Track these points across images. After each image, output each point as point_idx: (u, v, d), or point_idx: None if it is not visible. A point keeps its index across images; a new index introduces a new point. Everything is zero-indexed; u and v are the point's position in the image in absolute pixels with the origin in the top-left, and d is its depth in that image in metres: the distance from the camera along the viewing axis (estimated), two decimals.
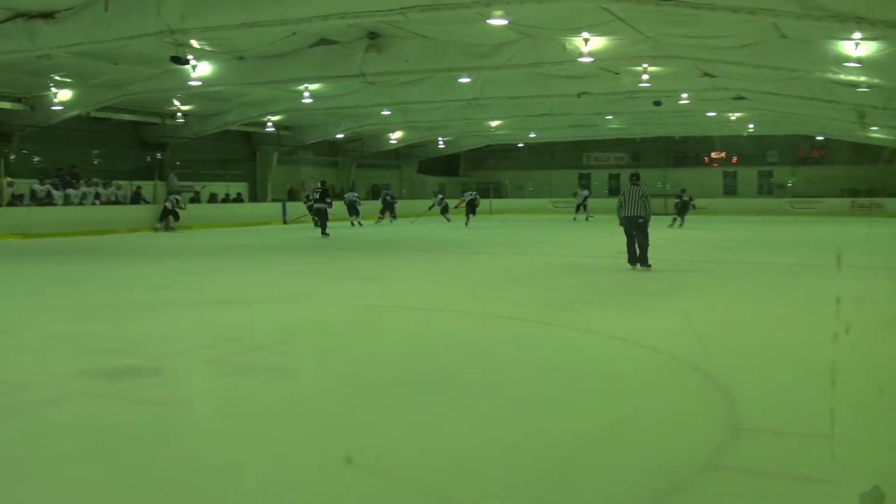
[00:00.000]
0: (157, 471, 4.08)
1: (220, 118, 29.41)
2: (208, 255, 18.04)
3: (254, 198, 34.70)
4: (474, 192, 32.01)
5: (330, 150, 40.30)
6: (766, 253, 17.88)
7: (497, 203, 42.74)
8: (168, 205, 26.98)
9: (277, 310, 9.67)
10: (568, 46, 17.45)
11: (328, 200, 24.11)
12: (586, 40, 16.79)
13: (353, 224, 29.54)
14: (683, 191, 29.61)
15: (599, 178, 47.07)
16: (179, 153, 31.12)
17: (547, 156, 48.09)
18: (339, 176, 39.68)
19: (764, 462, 4.21)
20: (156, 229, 26.59)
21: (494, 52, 18.27)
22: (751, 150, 44.15)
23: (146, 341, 7.41)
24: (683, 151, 45.50)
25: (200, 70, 20.44)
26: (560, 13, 14.99)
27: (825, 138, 39.53)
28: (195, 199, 30.09)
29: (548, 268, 14.65)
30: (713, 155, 45.91)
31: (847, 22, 11.33)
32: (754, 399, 5.39)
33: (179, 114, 28.89)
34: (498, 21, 15.43)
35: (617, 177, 46.93)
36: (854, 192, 39.95)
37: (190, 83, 21.00)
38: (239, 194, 33.60)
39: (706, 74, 20.77)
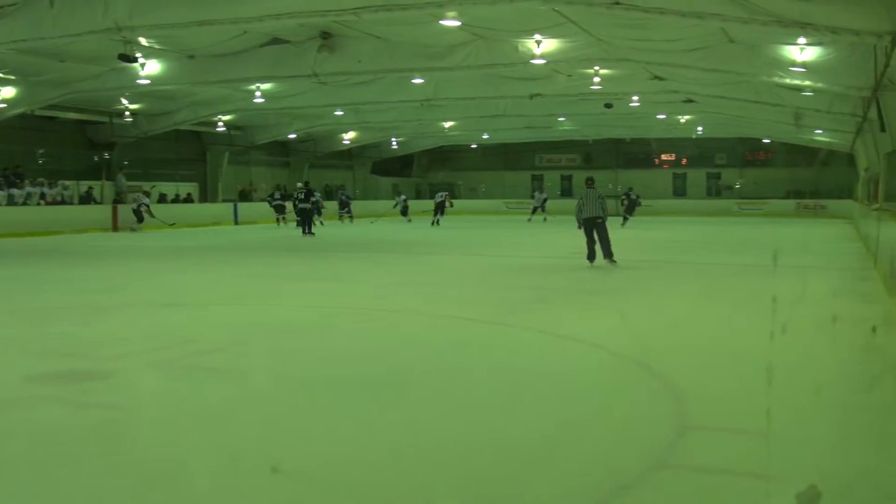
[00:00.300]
0: (107, 475, 4.02)
1: (170, 117, 28.97)
2: (159, 256, 17.77)
3: (204, 198, 34.28)
4: (445, 193, 32.72)
5: (282, 151, 39.99)
6: (715, 253, 18.24)
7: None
8: (135, 206, 26.70)
9: (230, 311, 9.58)
10: (520, 48, 17.56)
11: (313, 200, 25.21)
12: (539, 42, 16.91)
13: (314, 224, 29.58)
14: (631, 189, 31.46)
15: (552, 179, 47.38)
16: (128, 153, 30.59)
17: (500, 157, 48.34)
18: (291, 177, 39.35)
19: (711, 459, 4.30)
20: (132, 229, 26.43)
21: (448, 53, 18.30)
22: (699, 152, 44.90)
23: (96, 344, 7.29)
24: (634, 153, 46.06)
25: (149, 68, 20.13)
26: (512, 15, 15.06)
27: (771, 141, 40.39)
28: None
29: (503, 268, 14.73)
30: (663, 156, 46.59)
31: (792, 27, 11.58)
32: (702, 397, 5.50)
33: (127, 113, 28.39)
34: (451, 22, 15.47)
35: (569, 178, 47.34)
36: (799, 194, 40.90)
37: (138, 82, 20.65)
38: (189, 195, 33.17)
39: (656, 77, 21.05)
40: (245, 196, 36.41)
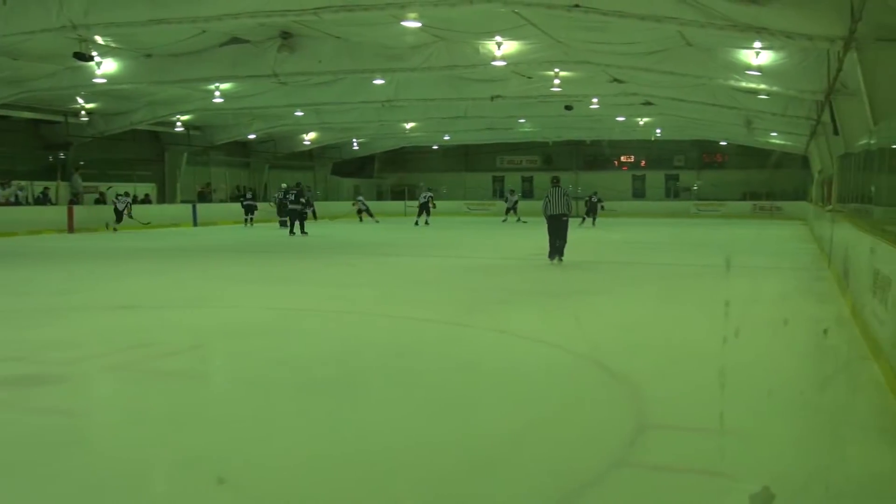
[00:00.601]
0: (58, 481, 3.95)
1: (127, 117, 28.54)
2: (117, 258, 17.48)
3: (162, 199, 33.84)
4: (429, 194, 32.90)
5: (242, 151, 39.62)
6: (673, 254, 18.46)
7: (411, 205, 42.86)
8: (121, 206, 26.76)
9: (187, 314, 9.46)
10: (481, 50, 17.62)
11: (303, 201, 25.87)
12: (499, 44, 16.98)
13: (281, 224, 29.45)
14: (594, 193, 32.14)
15: (512, 180, 47.55)
16: (84, 153, 30.07)
17: (461, 158, 48.44)
18: (251, 178, 39.07)
19: (669, 457, 4.34)
20: (114, 230, 26.46)
21: (409, 54, 18.29)
22: (658, 155, 45.40)
23: (49, 348, 7.14)
24: (594, 155, 46.42)
25: (105, 67, 19.82)
26: (473, 17, 15.10)
27: (727, 143, 40.99)
28: (100, 201, 29.18)
29: (463, 269, 14.75)
30: (623, 158, 47.03)
31: (747, 31, 11.77)
32: (661, 396, 5.55)
33: (83, 112, 27.89)
34: (412, 23, 15.47)
35: (530, 179, 47.61)
36: (754, 196, 41.57)
37: (94, 81, 20.32)
38: (147, 195, 32.71)
39: (615, 80, 21.25)
40: (204, 197, 36.02)
